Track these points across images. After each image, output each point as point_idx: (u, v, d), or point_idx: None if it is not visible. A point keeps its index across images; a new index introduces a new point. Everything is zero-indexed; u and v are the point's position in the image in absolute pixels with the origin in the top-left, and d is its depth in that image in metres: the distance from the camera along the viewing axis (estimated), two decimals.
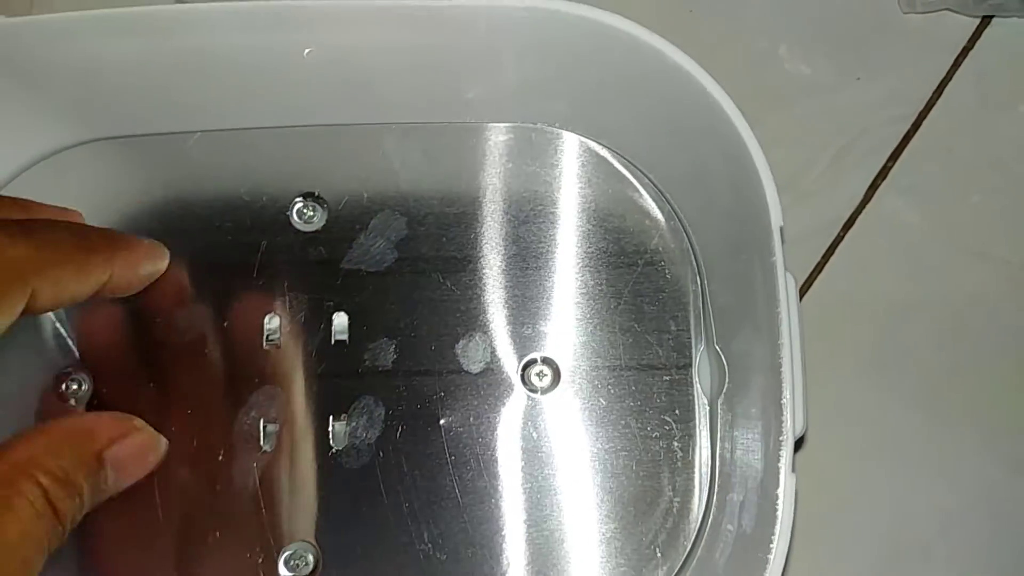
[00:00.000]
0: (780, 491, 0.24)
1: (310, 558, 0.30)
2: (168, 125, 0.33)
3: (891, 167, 0.40)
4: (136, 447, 0.24)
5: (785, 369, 0.25)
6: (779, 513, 0.24)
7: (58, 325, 0.32)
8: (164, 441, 0.26)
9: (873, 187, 0.40)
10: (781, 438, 0.25)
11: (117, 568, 0.30)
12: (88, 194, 0.33)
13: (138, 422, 0.25)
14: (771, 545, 0.24)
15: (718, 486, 0.30)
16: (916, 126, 0.41)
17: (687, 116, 0.29)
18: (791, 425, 0.25)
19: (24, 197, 0.28)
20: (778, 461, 0.24)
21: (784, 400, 0.25)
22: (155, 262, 0.29)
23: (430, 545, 0.30)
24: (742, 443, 0.28)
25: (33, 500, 0.20)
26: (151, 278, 0.29)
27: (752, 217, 0.26)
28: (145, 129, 0.33)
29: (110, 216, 0.33)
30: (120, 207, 0.33)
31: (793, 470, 0.24)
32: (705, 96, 0.27)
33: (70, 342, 0.32)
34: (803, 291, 0.40)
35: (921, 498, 0.38)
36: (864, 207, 0.40)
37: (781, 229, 0.26)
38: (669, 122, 0.30)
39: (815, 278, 0.40)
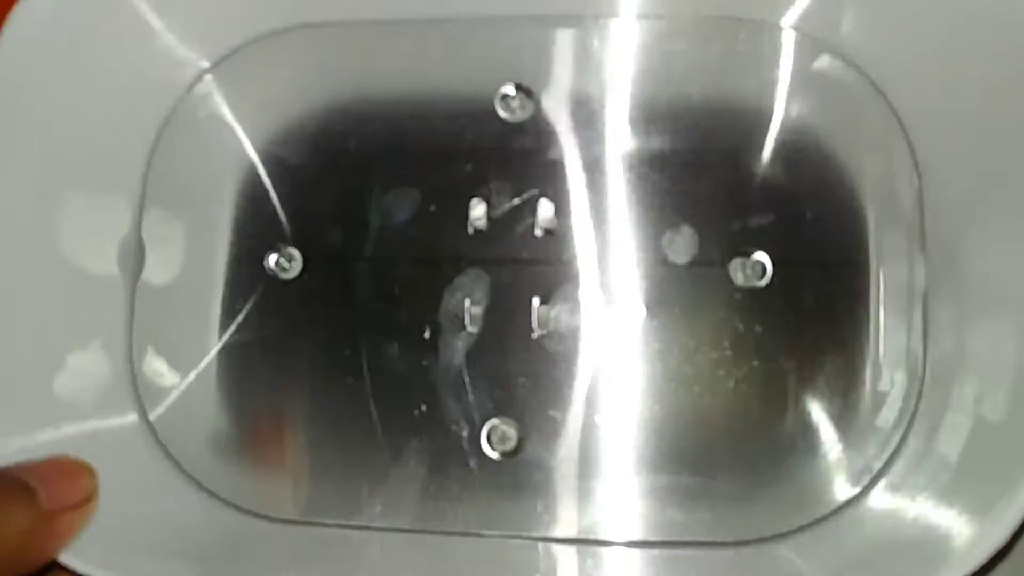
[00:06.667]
0: None
1: (513, 435, 0.31)
2: (377, 12, 0.33)
3: None
4: None
5: None
6: None
7: (274, 203, 0.33)
8: None
9: None
10: None
11: (327, 440, 0.31)
12: (297, 79, 0.34)
13: None
14: None
15: (934, 378, 0.29)
16: None
17: None
18: None
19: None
20: None
21: None
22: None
23: (633, 429, 0.30)
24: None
25: None
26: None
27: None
28: (356, 15, 0.33)
29: (320, 102, 0.34)
30: (331, 94, 0.34)
31: None
32: None
33: (283, 220, 0.33)
34: None
35: None
36: None
37: None
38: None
39: None
